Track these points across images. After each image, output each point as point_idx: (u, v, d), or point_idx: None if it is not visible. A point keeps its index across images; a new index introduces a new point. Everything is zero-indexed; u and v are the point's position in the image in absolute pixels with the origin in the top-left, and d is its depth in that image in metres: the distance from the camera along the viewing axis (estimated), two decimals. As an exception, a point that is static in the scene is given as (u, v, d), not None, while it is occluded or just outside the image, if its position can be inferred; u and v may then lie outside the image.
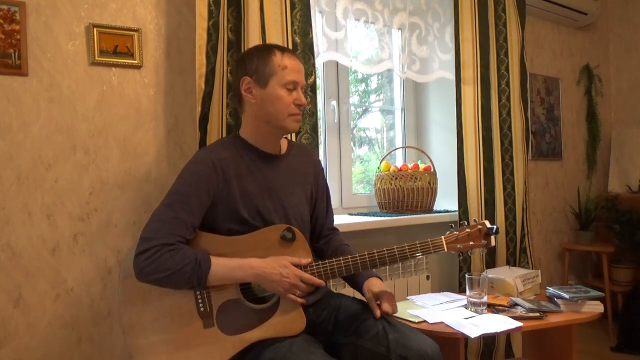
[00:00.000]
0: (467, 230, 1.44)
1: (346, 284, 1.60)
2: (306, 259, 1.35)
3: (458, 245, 1.43)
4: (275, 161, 1.48)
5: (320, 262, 1.37)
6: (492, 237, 1.45)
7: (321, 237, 1.63)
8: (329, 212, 1.65)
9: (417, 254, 1.40)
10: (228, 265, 1.29)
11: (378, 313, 1.36)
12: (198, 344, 1.29)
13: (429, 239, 1.43)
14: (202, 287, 1.29)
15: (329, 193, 1.67)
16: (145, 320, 1.31)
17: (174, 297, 1.31)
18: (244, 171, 1.40)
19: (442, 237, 1.44)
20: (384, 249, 1.39)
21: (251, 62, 1.41)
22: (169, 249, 1.25)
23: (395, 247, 1.39)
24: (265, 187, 1.43)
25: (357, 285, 1.51)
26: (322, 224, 1.62)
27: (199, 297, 1.32)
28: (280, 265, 1.30)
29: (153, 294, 1.31)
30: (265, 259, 1.32)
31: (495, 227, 1.45)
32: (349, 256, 1.38)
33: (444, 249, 1.42)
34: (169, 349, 1.29)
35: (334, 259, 1.37)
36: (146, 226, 1.30)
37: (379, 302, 1.41)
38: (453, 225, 1.50)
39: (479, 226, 1.45)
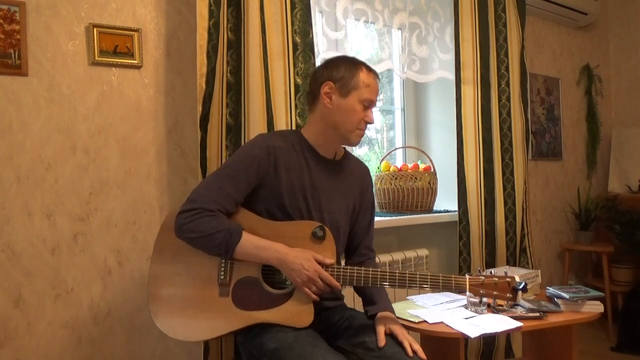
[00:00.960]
0: (495, 279, 1.42)
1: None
2: (330, 259, 1.38)
3: (481, 291, 1.42)
4: (326, 165, 1.51)
5: (342, 267, 1.39)
6: (519, 294, 1.42)
7: (355, 255, 1.62)
8: (370, 230, 1.64)
9: (438, 286, 1.40)
10: (256, 244, 1.36)
11: (382, 343, 1.35)
12: (209, 309, 1.36)
13: (452, 276, 1.43)
14: (229, 257, 1.36)
15: (373, 212, 1.66)
16: (170, 273, 1.39)
17: (201, 259, 1.39)
18: (294, 165, 1.45)
19: (467, 276, 1.43)
20: (407, 272, 1.40)
21: (338, 70, 1.46)
22: (209, 214, 1.35)
23: (418, 273, 1.40)
24: (310, 185, 1.47)
25: (368, 307, 1.50)
26: (360, 240, 1.62)
27: (222, 266, 1.38)
28: (304, 257, 1.34)
29: (183, 252, 1.39)
30: (292, 248, 1.37)
31: (523, 283, 1.42)
32: (371, 269, 1.39)
33: (465, 289, 1.42)
34: (182, 305, 1.36)
35: (355, 268, 1.39)
36: (195, 189, 1.41)
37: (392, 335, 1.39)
38: (480, 269, 1.50)
39: (508, 279, 1.43)
